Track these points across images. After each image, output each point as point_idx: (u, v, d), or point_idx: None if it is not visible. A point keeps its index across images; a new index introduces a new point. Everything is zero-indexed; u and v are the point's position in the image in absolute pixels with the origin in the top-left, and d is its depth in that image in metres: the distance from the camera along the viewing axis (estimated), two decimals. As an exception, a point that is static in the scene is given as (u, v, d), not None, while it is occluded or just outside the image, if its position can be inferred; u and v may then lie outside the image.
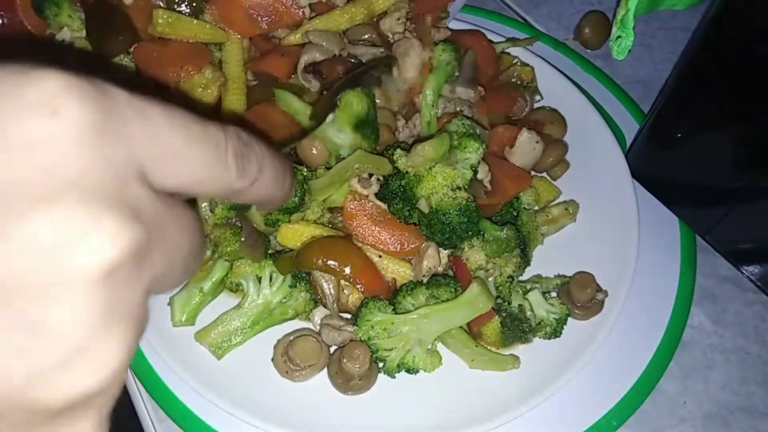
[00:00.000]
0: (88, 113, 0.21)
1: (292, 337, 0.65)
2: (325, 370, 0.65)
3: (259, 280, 0.66)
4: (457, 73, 0.72)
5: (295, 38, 0.76)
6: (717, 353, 0.70)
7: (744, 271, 0.72)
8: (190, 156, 0.26)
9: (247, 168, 0.29)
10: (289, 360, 0.64)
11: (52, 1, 0.72)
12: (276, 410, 0.63)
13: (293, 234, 0.66)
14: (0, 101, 0.20)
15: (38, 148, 0.20)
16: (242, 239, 0.64)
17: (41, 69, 0.21)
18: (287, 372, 0.64)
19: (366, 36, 0.76)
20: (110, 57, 0.70)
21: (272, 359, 0.65)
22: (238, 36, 0.75)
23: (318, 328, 0.67)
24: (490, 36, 0.86)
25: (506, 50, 0.86)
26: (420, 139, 0.66)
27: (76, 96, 0.21)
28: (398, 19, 0.76)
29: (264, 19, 0.74)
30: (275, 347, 0.66)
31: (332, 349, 0.66)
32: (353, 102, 0.65)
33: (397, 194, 0.64)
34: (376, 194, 0.67)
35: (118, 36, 0.71)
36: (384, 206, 0.66)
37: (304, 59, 0.73)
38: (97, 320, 0.21)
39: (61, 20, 0.73)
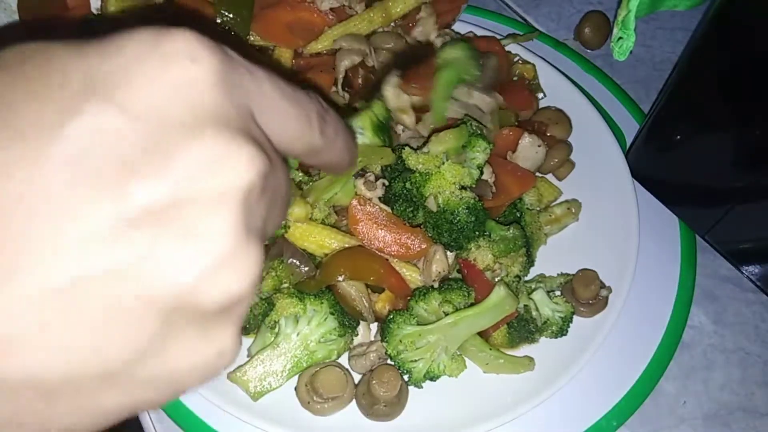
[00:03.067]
0: (219, 62, 0.25)
1: (317, 368, 0.63)
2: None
3: (297, 320, 0.63)
4: (477, 74, 0.72)
5: (317, 46, 0.77)
6: (717, 353, 0.70)
7: (744, 271, 0.72)
8: (284, 111, 0.29)
9: (326, 130, 0.33)
10: (312, 390, 0.61)
11: None
12: (278, 412, 0.62)
13: (301, 233, 0.65)
14: (147, 54, 0.23)
15: (183, 88, 0.23)
16: (288, 261, 0.64)
17: (172, 28, 0.24)
18: (308, 403, 0.61)
19: (390, 45, 0.77)
20: None
21: (295, 388, 0.63)
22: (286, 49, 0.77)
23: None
24: (486, 34, 0.87)
25: (506, 46, 0.86)
26: (436, 130, 0.66)
27: (207, 48, 0.24)
28: (434, 24, 0.78)
29: (303, 31, 0.77)
30: (300, 375, 0.63)
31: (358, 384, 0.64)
32: (376, 107, 0.66)
33: (400, 196, 0.64)
34: (380, 198, 0.66)
35: None
36: (388, 209, 0.66)
37: (344, 65, 0.73)
38: (240, 231, 0.24)
39: None
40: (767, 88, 0.57)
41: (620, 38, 0.90)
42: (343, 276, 0.63)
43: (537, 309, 0.66)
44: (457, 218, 0.62)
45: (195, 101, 0.23)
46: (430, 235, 0.65)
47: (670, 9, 1.01)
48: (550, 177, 0.78)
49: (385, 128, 0.67)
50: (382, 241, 0.65)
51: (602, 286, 0.68)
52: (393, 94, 0.69)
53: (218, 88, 0.24)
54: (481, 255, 0.65)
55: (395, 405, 0.61)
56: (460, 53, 0.71)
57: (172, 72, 0.23)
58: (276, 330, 0.64)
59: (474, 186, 0.64)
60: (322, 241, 0.66)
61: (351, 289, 0.64)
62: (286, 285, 0.65)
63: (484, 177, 0.66)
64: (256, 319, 0.66)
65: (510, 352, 0.66)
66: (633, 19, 0.87)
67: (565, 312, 0.66)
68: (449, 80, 0.69)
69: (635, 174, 0.76)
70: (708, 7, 0.63)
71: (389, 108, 0.69)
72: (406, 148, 0.65)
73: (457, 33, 0.84)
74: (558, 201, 0.76)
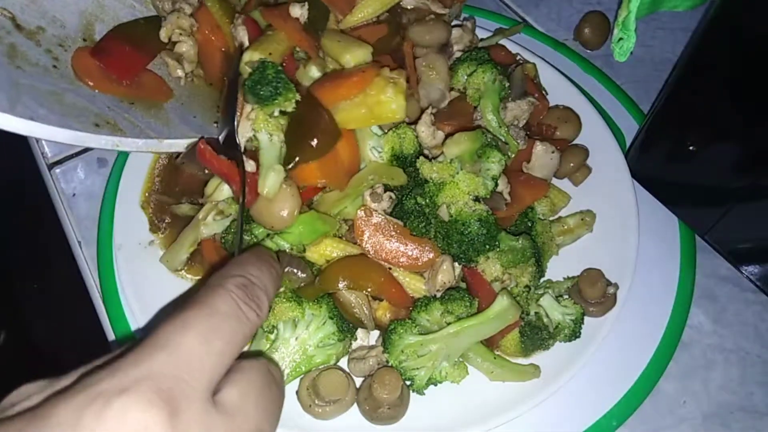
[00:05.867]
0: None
1: (318, 371, 0.63)
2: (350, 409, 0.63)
3: (296, 324, 0.63)
4: (507, 87, 0.72)
5: (353, 19, 0.75)
6: (716, 353, 0.70)
7: (743, 271, 0.72)
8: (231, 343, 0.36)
9: (258, 300, 0.38)
10: (314, 393, 0.61)
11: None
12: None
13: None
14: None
15: None
16: (285, 268, 0.63)
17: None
18: (310, 406, 0.61)
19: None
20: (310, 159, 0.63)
21: (296, 392, 0.63)
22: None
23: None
24: (486, 34, 0.87)
25: (496, 42, 0.86)
26: (449, 134, 0.66)
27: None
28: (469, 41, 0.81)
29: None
30: (301, 379, 0.63)
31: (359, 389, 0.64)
32: (407, 139, 0.65)
33: (412, 212, 0.63)
34: (390, 213, 0.66)
35: (317, 137, 0.63)
36: (395, 220, 0.65)
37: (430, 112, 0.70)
38: None
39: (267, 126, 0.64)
40: (766, 88, 0.58)
41: (621, 39, 0.90)
42: (342, 284, 0.62)
43: (547, 315, 0.65)
44: (468, 230, 0.61)
45: None
46: (439, 245, 0.64)
47: (671, 10, 1.01)
48: (556, 182, 0.78)
49: (405, 160, 0.66)
50: (389, 251, 0.64)
51: (608, 283, 0.67)
52: (427, 133, 0.68)
53: None
54: (490, 266, 0.65)
55: (398, 407, 0.61)
56: (488, 76, 0.70)
57: None
58: (274, 334, 0.63)
59: (488, 198, 0.63)
60: (323, 249, 0.65)
61: (351, 296, 0.64)
62: (283, 289, 0.64)
63: (499, 189, 0.65)
64: None
65: (523, 360, 0.65)
66: (633, 19, 0.87)
67: (575, 314, 0.65)
68: (494, 106, 0.69)
69: (635, 174, 0.77)
70: (708, 8, 0.63)
71: (424, 145, 0.68)
72: (420, 157, 0.64)
73: (482, 39, 0.85)
74: (572, 211, 0.75)
